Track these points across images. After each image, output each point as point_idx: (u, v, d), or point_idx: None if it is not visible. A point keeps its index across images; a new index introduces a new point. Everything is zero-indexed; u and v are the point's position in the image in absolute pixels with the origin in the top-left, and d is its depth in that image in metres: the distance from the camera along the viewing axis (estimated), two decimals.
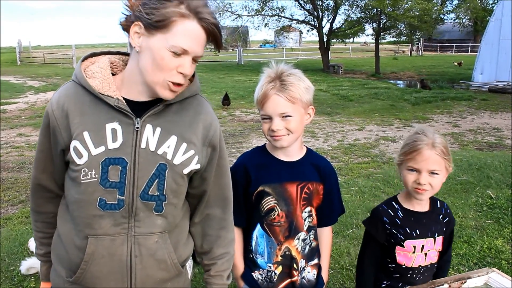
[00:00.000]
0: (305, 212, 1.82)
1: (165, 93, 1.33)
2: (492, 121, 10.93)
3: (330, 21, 27.96)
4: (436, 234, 1.89)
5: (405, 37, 33.54)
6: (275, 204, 1.78)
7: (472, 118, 11.40)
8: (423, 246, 1.87)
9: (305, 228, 1.83)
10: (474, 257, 3.65)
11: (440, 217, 1.93)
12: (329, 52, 29.86)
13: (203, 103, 1.49)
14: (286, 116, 1.70)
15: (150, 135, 1.34)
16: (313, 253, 1.90)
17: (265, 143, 1.89)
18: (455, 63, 30.26)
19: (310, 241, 1.87)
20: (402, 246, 1.87)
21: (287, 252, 1.81)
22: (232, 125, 10.47)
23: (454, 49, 50.03)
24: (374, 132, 9.63)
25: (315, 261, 1.91)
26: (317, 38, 28.60)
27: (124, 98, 1.35)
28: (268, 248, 1.82)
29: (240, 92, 15.74)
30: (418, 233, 1.87)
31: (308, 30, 30.97)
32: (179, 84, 1.33)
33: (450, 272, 3.40)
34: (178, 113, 1.41)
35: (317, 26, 27.66)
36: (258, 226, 1.82)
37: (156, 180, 1.34)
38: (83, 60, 1.40)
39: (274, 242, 1.80)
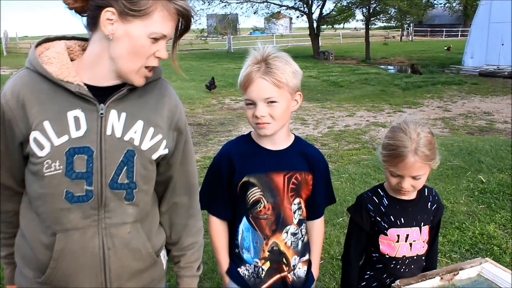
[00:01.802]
0: (294, 204, 1.74)
1: (140, 80, 1.30)
2: (482, 105, 10.92)
3: (319, 6, 27.75)
4: (422, 224, 1.83)
5: (395, 22, 33.42)
6: (261, 196, 1.69)
7: (462, 103, 11.38)
8: (407, 235, 1.81)
9: (295, 221, 1.75)
10: (466, 244, 3.61)
11: (428, 204, 1.87)
12: (319, 38, 29.67)
13: (166, 86, 1.44)
14: (271, 101, 1.60)
15: (115, 121, 1.28)
16: (306, 248, 1.83)
17: (250, 131, 1.80)
18: (446, 48, 30.25)
19: (302, 235, 1.79)
20: (386, 234, 1.81)
21: (274, 247, 1.73)
22: (221, 113, 10.36)
23: (444, 33, 50.02)
24: (364, 118, 9.57)
25: (306, 256, 1.83)
26: (307, 25, 28.40)
27: (85, 84, 1.27)
28: (254, 243, 1.73)
29: (229, 80, 15.59)
30: (403, 221, 1.80)
31: (297, 16, 30.76)
32: (152, 68, 1.31)
33: (442, 259, 3.36)
34: (142, 97, 1.35)
35: (307, 12, 27.43)
36: (244, 219, 1.73)
37: (125, 168, 1.29)
38: (36, 46, 1.31)
39: (261, 236, 1.72)
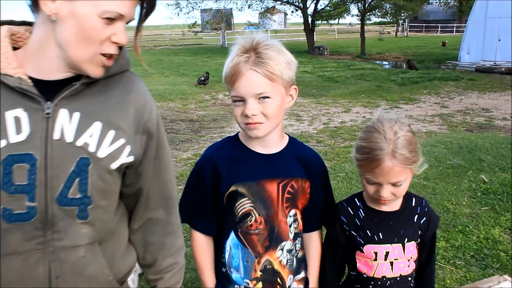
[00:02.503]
0: (290, 216, 1.51)
1: (97, 71, 1.08)
2: (480, 101, 10.74)
3: (314, 1, 27.49)
4: (406, 240, 1.56)
5: (390, 18, 33.23)
6: (252, 208, 1.46)
7: (460, 99, 11.19)
8: (387, 253, 1.56)
9: (291, 236, 1.52)
10: (470, 249, 3.40)
11: (415, 217, 1.60)
12: (314, 33, 29.42)
13: (135, 81, 1.20)
14: (264, 97, 1.36)
15: (65, 122, 1.06)
16: (300, 265, 1.59)
17: (237, 132, 1.56)
18: (442, 43, 30.13)
19: (297, 251, 1.56)
20: (362, 251, 1.57)
21: (268, 266, 1.50)
22: (214, 109, 10.13)
23: (439, 29, 49.89)
24: (360, 114, 9.37)
25: (302, 274, 1.60)
26: (301, 20, 28.14)
27: (30, 77, 1.04)
28: (244, 262, 1.50)
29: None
30: (381, 237, 1.55)
31: (292, 11, 30.53)
32: (111, 56, 1.08)
33: (446, 267, 3.16)
34: (103, 93, 1.13)
35: (302, 7, 27.18)
36: (232, 235, 1.50)
37: (77, 179, 1.06)
38: None
39: (252, 254, 1.49)
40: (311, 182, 1.54)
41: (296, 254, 1.56)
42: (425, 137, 7.22)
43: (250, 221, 1.47)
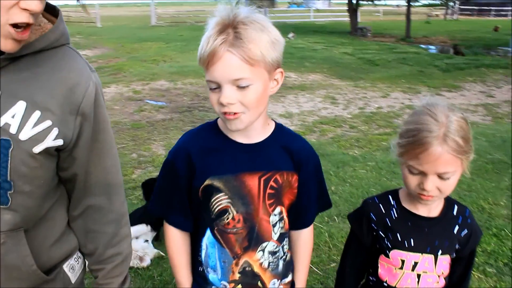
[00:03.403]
0: (275, 215, 1.32)
1: (7, 44, 0.96)
2: None
3: None
4: (440, 252, 1.35)
5: None
6: (229, 204, 1.28)
7: (508, 88, 10.48)
8: (416, 263, 1.36)
9: (274, 237, 1.33)
10: (504, 256, 3.08)
11: (455, 228, 1.38)
12: (358, 13, 28.49)
13: (70, 57, 1.10)
14: (242, 85, 1.17)
15: None
16: (289, 268, 1.42)
17: (217, 118, 1.36)
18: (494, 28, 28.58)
19: (284, 253, 1.38)
20: (387, 256, 1.38)
21: (247, 268, 1.33)
22: None
23: (492, 13, 47.40)
24: (399, 100, 8.95)
25: (289, 278, 1.43)
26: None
27: None
28: (221, 262, 1.33)
29: None
30: (413, 244, 1.35)
31: None
32: (27, 26, 0.95)
33: (474, 273, 2.86)
34: (30, 70, 1.03)
35: None
36: (208, 232, 1.33)
37: None
38: None
39: (229, 255, 1.32)
40: (299, 175, 1.35)
41: (284, 256, 1.39)
42: None
43: (227, 219, 1.30)
